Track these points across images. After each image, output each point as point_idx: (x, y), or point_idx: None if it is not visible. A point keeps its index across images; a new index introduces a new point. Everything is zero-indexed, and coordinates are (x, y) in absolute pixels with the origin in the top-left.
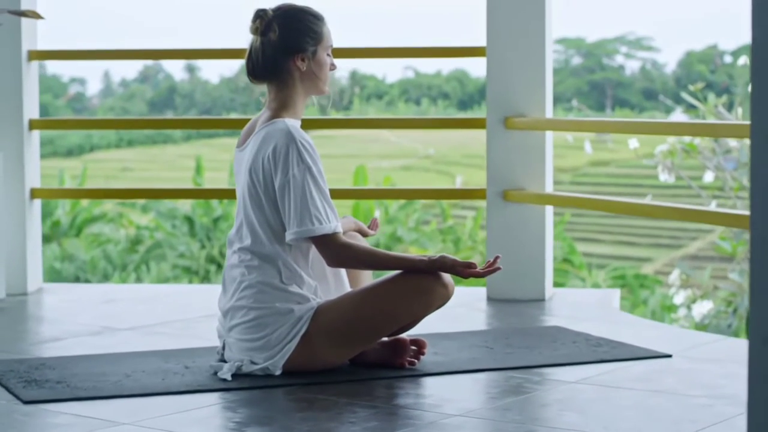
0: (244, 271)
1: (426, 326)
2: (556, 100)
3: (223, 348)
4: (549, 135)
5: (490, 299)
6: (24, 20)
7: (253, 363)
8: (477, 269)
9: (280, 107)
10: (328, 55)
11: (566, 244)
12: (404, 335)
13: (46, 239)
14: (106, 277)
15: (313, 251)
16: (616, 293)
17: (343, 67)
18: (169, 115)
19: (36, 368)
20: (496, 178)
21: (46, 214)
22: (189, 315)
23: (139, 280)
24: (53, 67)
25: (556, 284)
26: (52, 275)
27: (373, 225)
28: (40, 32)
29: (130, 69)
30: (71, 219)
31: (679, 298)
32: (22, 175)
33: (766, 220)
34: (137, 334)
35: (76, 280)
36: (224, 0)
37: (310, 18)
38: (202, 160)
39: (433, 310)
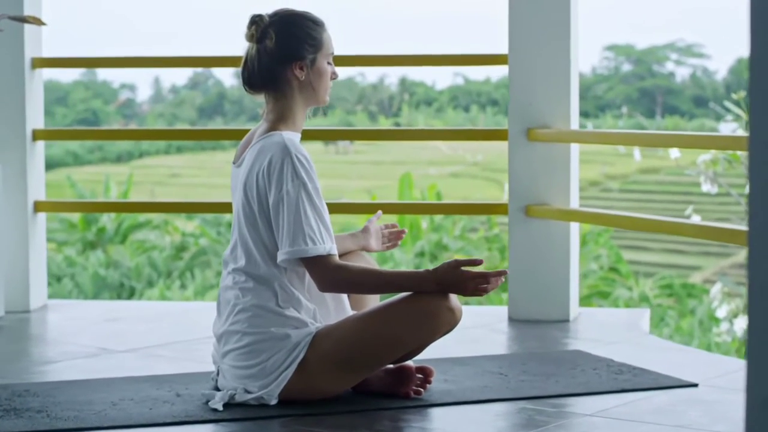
0: (239, 293)
1: (440, 349)
2: (606, 106)
3: (218, 375)
4: (575, 147)
5: (512, 320)
6: (27, 27)
7: (247, 392)
8: (485, 276)
9: (278, 119)
10: (329, 63)
11: (613, 253)
12: (411, 362)
13: (92, 246)
14: (150, 284)
15: None
16: (646, 313)
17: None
18: (219, 122)
19: (19, 395)
20: (518, 193)
21: (92, 220)
22: (193, 336)
23: (183, 287)
24: (103, 73)
25: (602, 294)
26: (97, 282)
27: (394, 237)
28: (49, 39)
29: (180, 75)
30: (116, 225)
31: (722, 311)
32: (24, 187)
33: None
34: (135, 356)
35: (121, 286)
36: (226, 6)
37: (308, 24)
38: None
39: (440, 336)
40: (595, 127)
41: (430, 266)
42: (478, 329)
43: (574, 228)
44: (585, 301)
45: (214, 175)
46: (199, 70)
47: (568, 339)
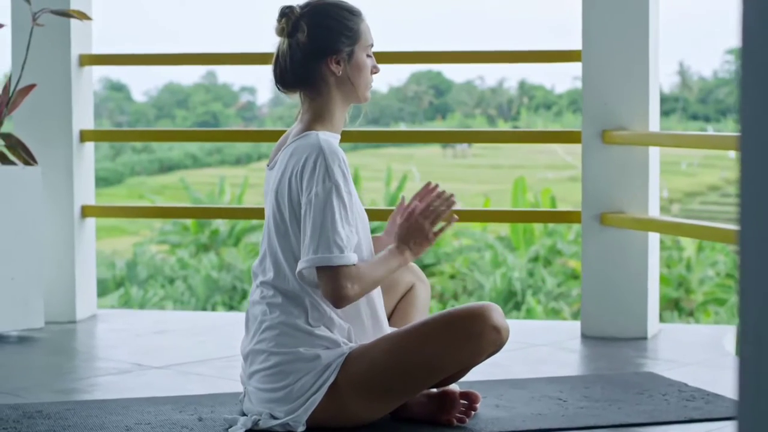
0: (266, 309)
1: (496, 369)
2: (728, 110)
3: (244, 397)
4: (654, 151)
5: (585, 337)
6: (75, 22)
7: (272, 417)
8: (433, 210)
9: (314, 119)
10: (368, 56)
11: (730, 260)
12: (456, 386)
13: (204, 248)
14: None
15: None
16: (731, 330)
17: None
18: None
19: (29, 417)
20: (592, 200)
21: (205, 223)
22: (236, 351)
23: None
24: (224, 76)
25: (718, 301)
26: (209, 284)
27: (406, 215)
28: (104, 36)
29: None
30: (230, 228)
31: None
32: (71, 191)
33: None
34: (168, 373)
35: (233, 289)
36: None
37: (344, 14)
38: (358, 170)
39: (484, 359)
40: (716, 131)
41: (544, 271)
42: (546, 347)
43: (653, 238)
44: (701, 307)
45: None
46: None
47: (642, 359)
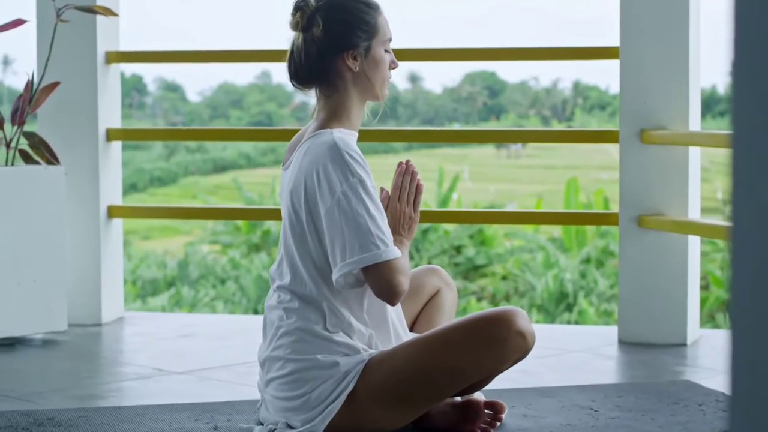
0: (283, 314)
1: (527, 377)
2: None
3: (261, 405)
4: (694, 151)
5: (622, 343)
6: (101, 19)
7: (289, 426)
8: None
9: (330, 117)
10: (386, 51)
11: None
12: (481, 394)
13: (256, 248)
14: None
15: (370, 291)
16: None
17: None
18: (391, 125)
19: (39, 424)
20: (630, 201)
21: (257, 223)
22: None
23: None
24: (278, 76)
25: None
26: (260, 284)
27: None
28: (134, 32)
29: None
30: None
31: None
32: (96, 191)
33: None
34: (189, 379)
35: None
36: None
37: (360, 7)
38: None
39: (510, 365)
40: None
41: (596, 273)
42: (581, 353)
43: (693, 241)
44: None
45: (381, 178)
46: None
47: (680, 366)
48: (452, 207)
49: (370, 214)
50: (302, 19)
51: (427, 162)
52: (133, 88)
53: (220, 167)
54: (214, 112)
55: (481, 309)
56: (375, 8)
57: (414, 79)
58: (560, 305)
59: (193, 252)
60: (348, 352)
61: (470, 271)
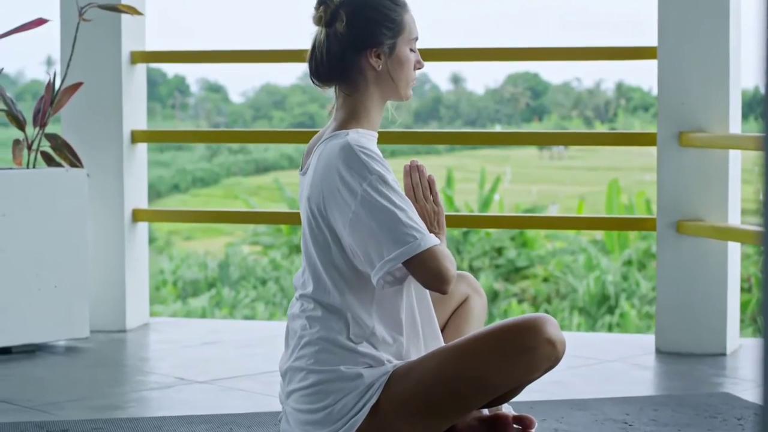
0: (305, 323)
1: (560, 388)
2: None
3: (282, 418)
4: (735, 155)
5: (659, 352)
6: (127, 18)
7: None
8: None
9: (350, 116)
10: (412, 50)
11: None
12: (509, 407)
13: (297, 249)
14: None
15: (406, 295)
16: None
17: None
18: (433, 126)
19: None
20: (668, 206)
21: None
22: None
23: None
24: None
25: None
26: None
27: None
28: (161, 32)
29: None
30: None
31: None
32: (121, 194)
33: None
34: (211, 389)
35: None
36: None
37: (386, 3)
38: (452, 172)
39: (539, 375)
40: None
41: (638, 275)
42: (617, 363)
43: (733, 247)
44: None
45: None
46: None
47: (719, 377)
48: (493, 208)
49: (398, 206)
50: (325, 14)
51: (469, 163)
52: (176, 88)
53: (262, 168)
54: (256, 113)
55: (522, 311)
56: (402, 5)
57: (456, 80)
58: (602, 308)
59: (234, 253)
60: (372, 363)
61: (511, 273)
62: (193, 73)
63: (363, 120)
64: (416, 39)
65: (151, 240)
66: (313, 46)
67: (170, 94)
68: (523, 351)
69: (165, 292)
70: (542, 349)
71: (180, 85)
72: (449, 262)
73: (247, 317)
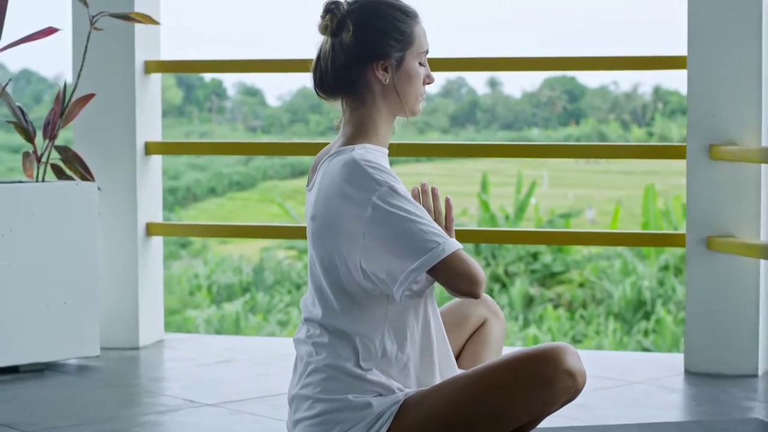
0: (312, 350)
1: (583, 413)
2: None
3: None
4: (767, 168)
5: (688, 373)
6: (140, 27)
7: None
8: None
9: (357, 132)
10: (421, 64)
11: None
12: None
13: None
14: None
15: (423, 314)
16: None
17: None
18: (470, 130)
19: None
20: (698, 222)
21: None
22: None
23: None
24: None
25: None
26: None
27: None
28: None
29: (434, 83)
30: None
31: None
32: (134, 208)
33: None
34: (221, 412)
35: None
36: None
37: (395, 14)
38: (488, 176)
39: (557, 408)
40: None
41: (675, 281)
42: (644, 384)
43: (766, 265)
44: None
45: (458, 183)
46: (452, 77)
47: (750, 401)
48: (530, 212)
49: (413, 214)
50: (332, 23)
51: (505, 167)
52: (212, 92)
53: (298, 172)
54: (293, 116)
55: (557, 317)
56: (412, 16)
57: (493, 83)
58: (638, 313)
59: (269, 257)
60: (382, 392)
61: (547, 278)
62: (230, 77)
63: (371, 135)
64: (426, 52)
65: (187, 244)
66: (318, 57)
67: (207, 97)
68: (541, 383)
69: (199, 297)
70: (561, 380)
71: (217, 88)
72: (476, 265)
73: (281, 322)
